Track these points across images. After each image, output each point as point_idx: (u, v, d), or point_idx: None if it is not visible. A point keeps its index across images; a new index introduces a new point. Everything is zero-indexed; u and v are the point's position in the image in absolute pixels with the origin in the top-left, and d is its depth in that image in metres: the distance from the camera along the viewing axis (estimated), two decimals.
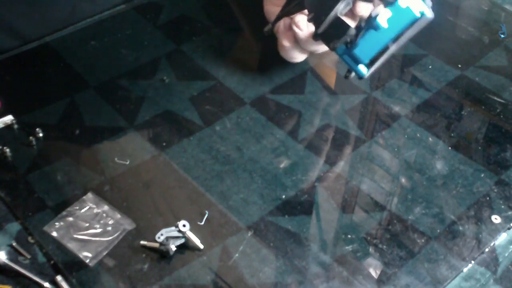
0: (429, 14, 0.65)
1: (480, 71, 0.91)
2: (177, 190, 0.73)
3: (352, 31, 0.67)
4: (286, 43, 0.80)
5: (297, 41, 0.79)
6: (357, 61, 0.69)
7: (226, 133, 0.80)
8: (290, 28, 0.78)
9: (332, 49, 0.70)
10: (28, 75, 0.87)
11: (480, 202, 0.74)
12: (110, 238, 0.68)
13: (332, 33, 0.69)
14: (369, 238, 0.70)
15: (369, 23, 0.65)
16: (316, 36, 0.71)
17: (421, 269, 0.67)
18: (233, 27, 0.98)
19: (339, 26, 0.68)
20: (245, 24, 1.00)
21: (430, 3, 0.66)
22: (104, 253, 0.66)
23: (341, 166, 0.77)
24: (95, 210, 0.70)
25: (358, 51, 0.68)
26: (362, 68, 0.69)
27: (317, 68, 0.90)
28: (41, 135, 0.78)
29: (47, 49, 0.91)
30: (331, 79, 0.89)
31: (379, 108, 0.85)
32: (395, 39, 0.66)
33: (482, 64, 0.93)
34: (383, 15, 0.64)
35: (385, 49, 0.67)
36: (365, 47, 0.67)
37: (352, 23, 0.72)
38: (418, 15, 0.64)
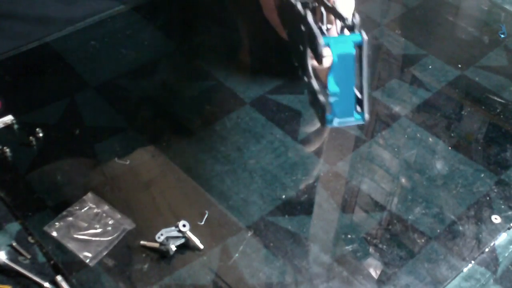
0: (363, 36, 0.58)
1: (480, 71, 0.91)
2: (177, 190, 0.73)
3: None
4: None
5: None
6: (347, 115, 0.62)
7: (226, 133, 0.80)
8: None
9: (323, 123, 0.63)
10: (28, 75, 0.87)
11: (480, 202, 0.74)
12: (110, 238, 0.68)
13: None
14: (369, 238, 0.70)
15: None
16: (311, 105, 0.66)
17: (421, 269, 0.67)
18: (233, 27, 0.98)
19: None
20: (245, 24, 1.00)
21: (357, 21, 0.59)
22: (104, 253, 0.66)
23: (341, 166, 0.77)
24: (95, 210, 0.70)
25: (338, 111, 0.61)
26: (356, 115, 0.62)
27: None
28: (41, 135, 0.78)
29: (47, 49, 0.91)
30: None
31: (379, 108, 0.85)
32: (360, 74, 0.60)
33: (482, 64, 0.93)
34: (331, 84, 0.59)
35: (360, 88, 0.60)
36: (340, 102, 0.60)
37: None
38: (353, 50, 0.58)
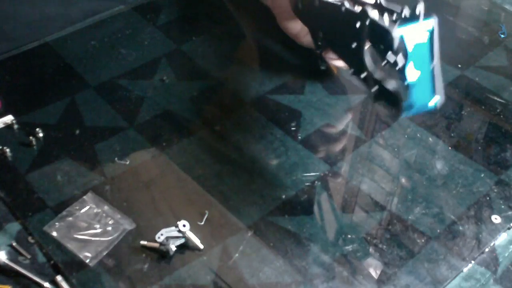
0: (432, 22, 0.60)
1: (480, 71, 0.91)
2: (177, 190, 0.73)
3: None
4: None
5: None
6: (423, 102, 0.64)
7: (226, 133, 0.80)
8: None
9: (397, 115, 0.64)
10: (28, 75, 0.87)
11: (480, 202, 0.74)
12: (110, 238, 0.68)
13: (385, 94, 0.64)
14: (369, 238, 0.70)
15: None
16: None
17: (421, 269, 0.67)
18: (233, 27, 0.98)
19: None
20: (245, 24, 1.00)
21: (421, 9, 0.60)
22: (104, 253, 0.66)
23: (341, 166, 0.77)
24: (95, 210, 0.70)
25: (415, 98, 0.62)
26: (430, 102, 0.63)
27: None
28: (41, 135, 0.78)
29: (47, 49, 0.91)
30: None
31: (379, 108, 0.84)
32: (431, 59, 0.62)
33: (482, 64, 0.93)
34: (408, 73, 0.60)
35: (432, 72, 0.62)
36: (418, 89, 0.62)
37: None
38: (427, 38, 0.60)
